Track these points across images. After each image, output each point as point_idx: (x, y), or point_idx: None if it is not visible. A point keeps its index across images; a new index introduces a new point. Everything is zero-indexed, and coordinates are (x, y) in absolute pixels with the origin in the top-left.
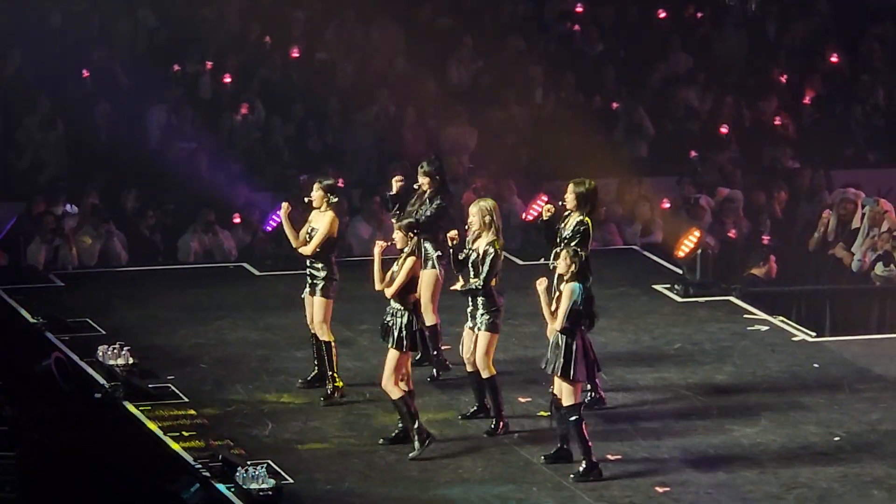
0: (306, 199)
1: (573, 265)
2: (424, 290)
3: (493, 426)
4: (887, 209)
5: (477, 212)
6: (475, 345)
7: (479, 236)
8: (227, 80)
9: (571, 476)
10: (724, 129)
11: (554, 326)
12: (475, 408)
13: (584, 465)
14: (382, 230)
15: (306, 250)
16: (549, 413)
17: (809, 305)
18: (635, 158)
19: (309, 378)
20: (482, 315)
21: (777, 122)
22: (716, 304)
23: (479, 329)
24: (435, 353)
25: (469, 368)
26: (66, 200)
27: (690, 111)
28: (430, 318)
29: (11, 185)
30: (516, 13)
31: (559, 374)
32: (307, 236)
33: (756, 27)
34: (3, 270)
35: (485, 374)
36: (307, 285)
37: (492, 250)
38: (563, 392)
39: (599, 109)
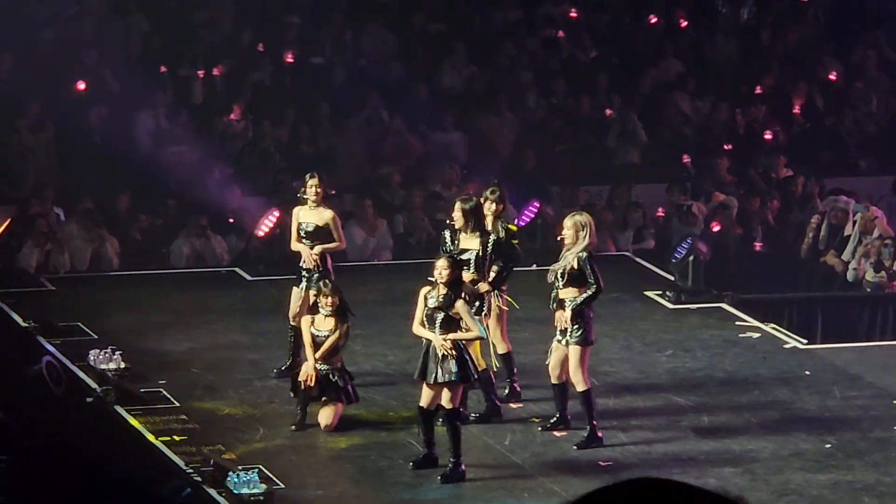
0: (301, 195)
1: (455, 271)
2: (492, 318)
3: (584, 439)
4: (877, 216)
5: (571, 225)
6: (567, 358)
7: (568, 249)
8: (221, 85)
9: (439, 478)
10: (767, 136)
11: (474, 336)
12: (556, 418)
13: (451, 466)
14: (376, 236)
15: (342, 245)
16: (539, 419)
17: (801, 312)
18: (627, 165)
19: (283, 368)
20: (574, 328)
21: (768, 135)
22: (707, 310)
23: (570, 343)
24: (508, 379)
25: (553, 381)
26: (55, 204)
27: (683, 118)
28: (501, 347)
29: (2, 189)
30: (508, 19)
31: (457, 380)
32: (303, 234)
33: (749, 34)
34: None
35: (580, 388)
36: (304, 280)
37: (583, 262)
38: (447, 397)
39: (591, 115)
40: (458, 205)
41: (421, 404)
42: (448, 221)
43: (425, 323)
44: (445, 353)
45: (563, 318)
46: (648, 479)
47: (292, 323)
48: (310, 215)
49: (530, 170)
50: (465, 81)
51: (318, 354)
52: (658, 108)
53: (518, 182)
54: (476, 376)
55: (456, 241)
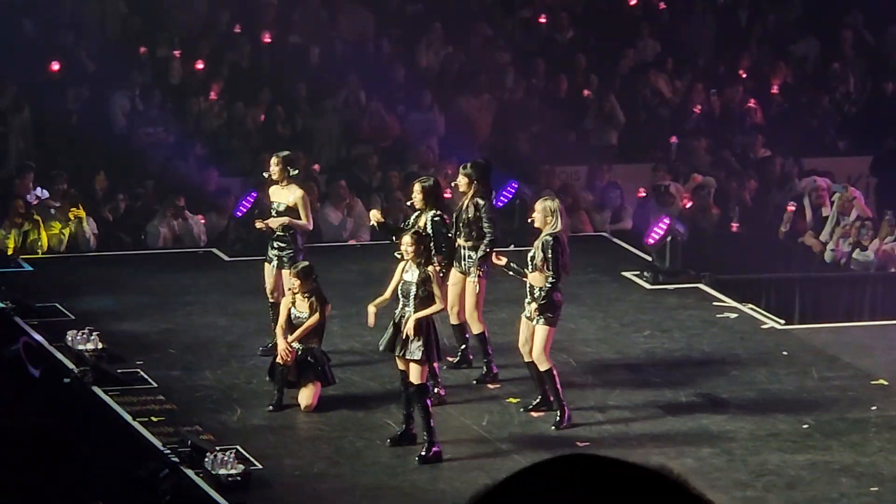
0: (265, 175)
1: (421, 247)
2: (468, 298)
3: (557, 419)
4: (856, 196)
5: (541, 210)
6: (532, 338)
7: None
8: (200, 66)
9: (416, 458)
10: (696, 109)
11: (439, 309)
12: (538, 399)
13: (426, 447)
14: (353, 216)
15: (308, 226)
16: (518, 399)
17: (778, 293)
18: (605, 146)
19: (269, 346)
20: (540, 308)
21: (748, 112)
22: (685, 291)
23: (536, 323)
24: (485, 360)
25: (526, 359)
26: (36, 185)
27: (660, 98)
28: (476, 327)
29: None
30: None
31: (418, 360)
32: (274, 213)
33: (727, 15)
34: None
35: (542, 367)
36: (274, 258)
37: (550, 247)
38: (414, 373)
39: (569, 96)
40: (417, 185)
41: (402, 370)
42: (408, 203)
43: (400, 296)
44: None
45: (530, 308)
46: (570, 455)
47: (271, 300)
48: (280, 195)
49: (508, 150)
50: (442, 62)
51: (293, 336)
52: (636, 89)
53: (495, 162)
54: (438, 358)
55: (413, 219)
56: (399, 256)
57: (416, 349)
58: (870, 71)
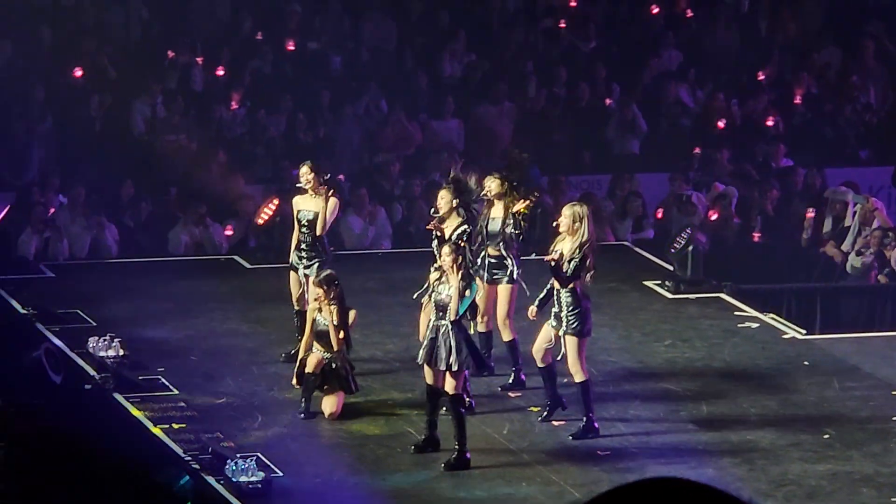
0: (298, 186)
1: (459, 258)
2: (501, 305)
3: (581, 429)
4: (877, 207)
5: (569, 214)
6: (565, 350)
7: (563, 239)
8: (220, 73)
9: (443, 465)
10: (720, 124)
11: (449, 318)
12: (549, 404)
13: (455, 454)
14: (374, 224)
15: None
16: (539, 408)
17: (800, 303)
18: (627, 155)
19: (292, 352)
20: (571, 319)
21: (770, 121)
22: (706, 300)
23: (566, 333)
24: (514, 367)
25: (539, 364)
26: (58, 191)
27: (683, 108)
28: (506, 334)
29: (2, 176)
30: (508, 7)
31: (457, 368)
32: (304, 221)
33: (748, 24)
34: None
35: (577, 379)
36: (300, 266)
37: (578, 254)
38: (450, 383)
39: (591, 105)
40: (444, 192)
41: (428, 383)
42: (432, 210)
43: (434, 308)
44: (450, 342)
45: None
46: (676, 479)
47: (296, 307)
48: (309, 203)
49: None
50: (464, 70)
51: (335, 347)
52: (658, 98)
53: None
54: (472, 365)
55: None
56: (437, 270)
57: (453, 361)
58: (891, 81)
